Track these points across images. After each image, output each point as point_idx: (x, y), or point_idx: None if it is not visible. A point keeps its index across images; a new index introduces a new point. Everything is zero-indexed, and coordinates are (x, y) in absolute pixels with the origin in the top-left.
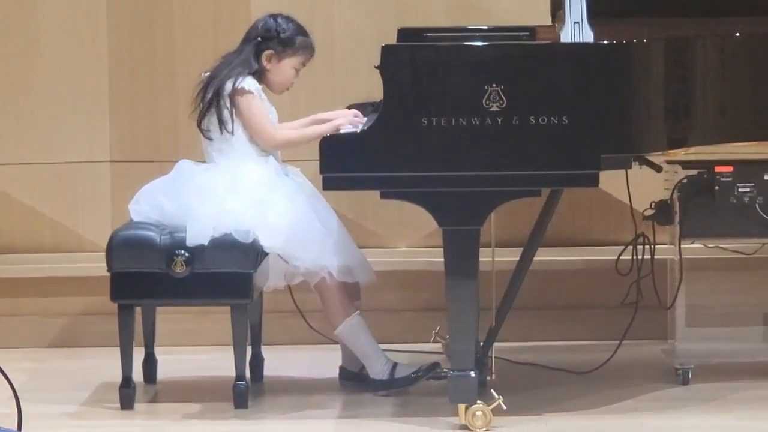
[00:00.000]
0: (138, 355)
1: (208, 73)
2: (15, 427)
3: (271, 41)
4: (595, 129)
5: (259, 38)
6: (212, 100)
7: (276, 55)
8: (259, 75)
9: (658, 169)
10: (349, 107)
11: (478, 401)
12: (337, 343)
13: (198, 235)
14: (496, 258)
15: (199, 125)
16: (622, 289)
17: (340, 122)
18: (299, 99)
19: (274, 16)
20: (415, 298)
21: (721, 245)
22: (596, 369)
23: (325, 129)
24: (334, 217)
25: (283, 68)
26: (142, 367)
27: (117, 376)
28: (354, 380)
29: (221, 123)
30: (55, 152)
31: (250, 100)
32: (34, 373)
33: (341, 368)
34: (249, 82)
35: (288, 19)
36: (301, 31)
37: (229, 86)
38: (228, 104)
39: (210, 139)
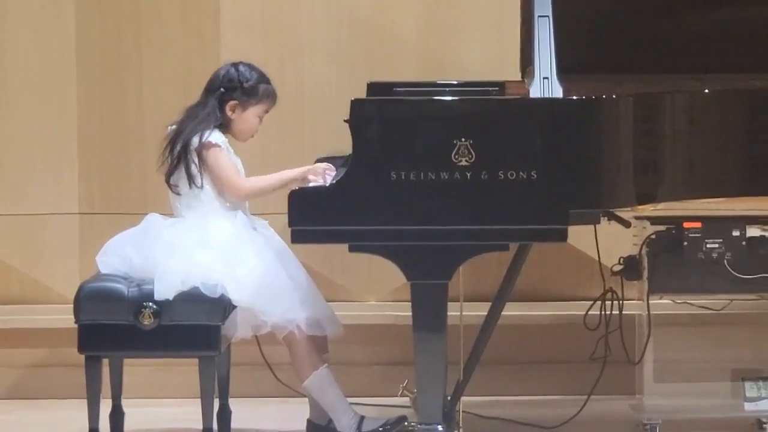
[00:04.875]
0: (105, 407)
1: (173, 127)
2: None
3: (234, 91)
4: (563, 184)
5: (222, 89)
6: (180, 155)
7: (240, 105)
8: (224, 125)
9: (627, 224)
10: (318, 161)
11: None
12: (304, 396)
13: (166, 289)
14: (465, 312)
15: (167, 180)
16: (590, 344)
17: (307, 168)
18: (269, 152)
19: (236, 65)
20: (383, 351)
21: (689, 301)
22: (564, 424)
23: (293, 174)
24: (303, 271)
25: (248, 117)
26: (109, 419)
27: (84, 428)
28: None
29: (190, 178)
30: (24, 203)
31: (218, 153)
32: (1, 425)
33: (309, 421)
34: (216, 136)
35: (250, 67)
36: (264, 79)
37: (195, 141)
38: (195, 159)
39: (178, 194)
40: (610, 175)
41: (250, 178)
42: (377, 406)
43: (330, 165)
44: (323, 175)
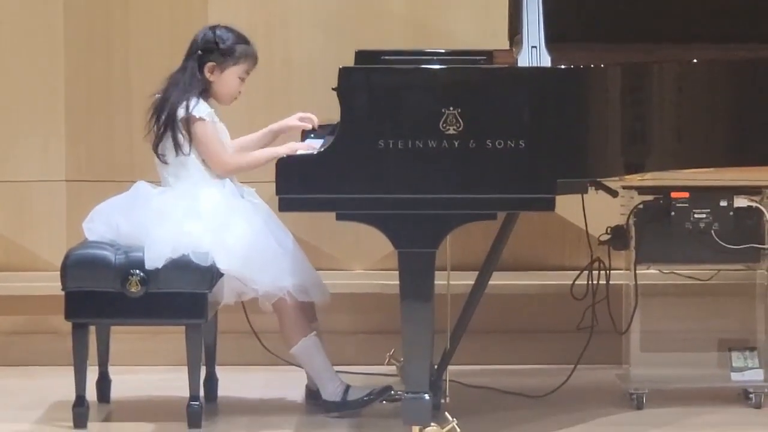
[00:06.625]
0: (92, 375)
1: (158, 96)
2: None
3: (212, 53)
4: (551, 153)
5: (200, 51)
6: (167, 124)
7: (218, 66)
8: (207, 90)
9: (614, 194)
10: (306, 131)
11: (432, 423)
12: (291, 364)
13: (156, 257)
14: (452, 281)
15: (155, 149)
16: (577, 313)
17: (294, 145)
18: (256, 121)
19: (213, 28)
20: (370, 320)
21: (676, 271)
22: (551, 393)
23: (279, 151)
24: (290, 238)
25: (227, 78)
26: (95, 387)
27: (70, 395)
28: (317, 399)
29: (176, 146)
30: (11, 170)
31: (204, 127)
32: None
33: (307, 387)
34: (201, 109)
35: (227, 29)
36: (242, 39)
37: (182, 112)
38: (181, 128)
39: (166, 163)
40: (598, 145)
41: (236, 154)
42: (364, 374)
43: (308, 116)
44: (310, 146)
